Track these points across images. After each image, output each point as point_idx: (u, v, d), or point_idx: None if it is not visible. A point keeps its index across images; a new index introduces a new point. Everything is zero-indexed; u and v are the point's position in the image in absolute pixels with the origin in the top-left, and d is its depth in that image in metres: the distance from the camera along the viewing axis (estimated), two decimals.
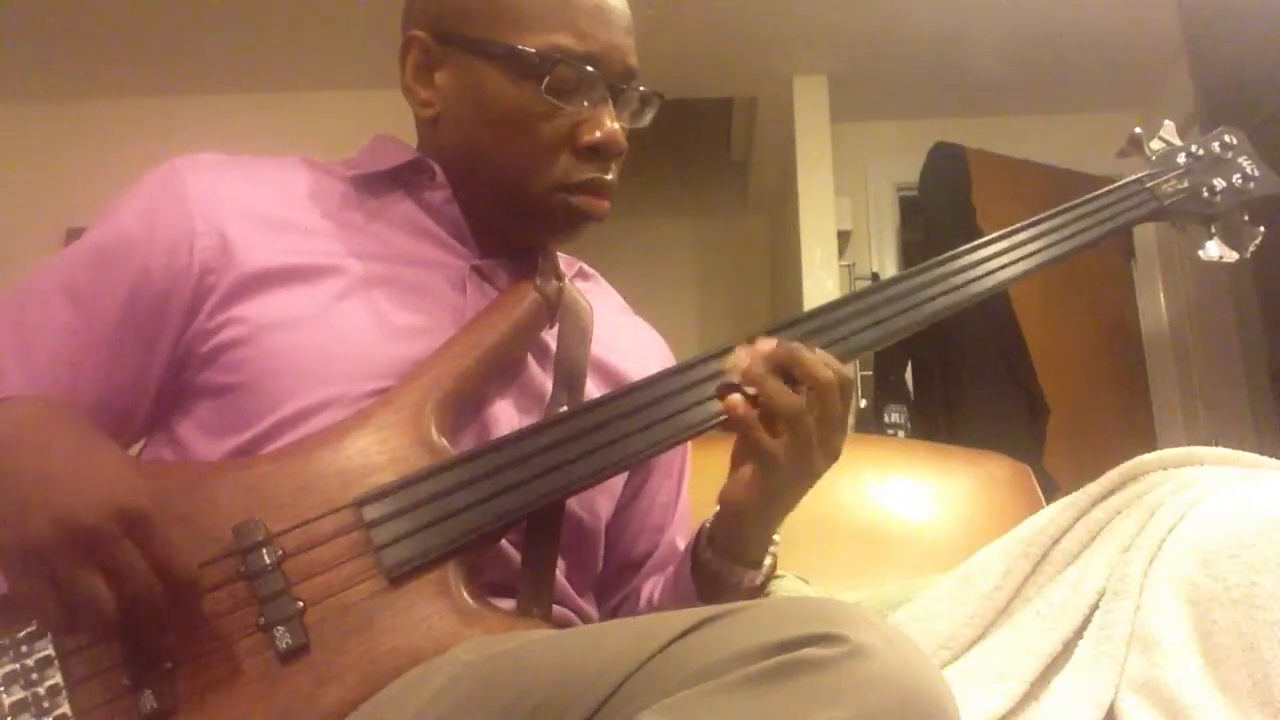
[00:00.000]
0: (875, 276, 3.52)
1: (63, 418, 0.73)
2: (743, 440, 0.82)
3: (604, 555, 0.97)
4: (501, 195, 0.90)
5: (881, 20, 3.11)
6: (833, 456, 0.81)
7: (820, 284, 3.22)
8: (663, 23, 2.91)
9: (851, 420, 3.27)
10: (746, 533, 0.86)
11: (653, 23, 2.90)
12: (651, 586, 1.01)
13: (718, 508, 0.86)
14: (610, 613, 1.01)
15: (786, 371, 0.79)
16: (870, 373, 3.29)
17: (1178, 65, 2.89)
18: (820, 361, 0.79)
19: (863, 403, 3.31)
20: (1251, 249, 1.03)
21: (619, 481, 0.97)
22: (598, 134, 0.87)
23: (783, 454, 0.79)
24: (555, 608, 0.85)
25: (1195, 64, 2.77)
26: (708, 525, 0.89)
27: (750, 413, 0.79)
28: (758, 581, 0.88)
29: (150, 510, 0.67)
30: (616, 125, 0.87)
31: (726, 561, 0.87)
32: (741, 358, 0.82)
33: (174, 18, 3.00)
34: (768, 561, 0.88)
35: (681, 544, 1.01)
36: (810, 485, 0.83)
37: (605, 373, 0.96)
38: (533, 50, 0.85)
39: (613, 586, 1.02)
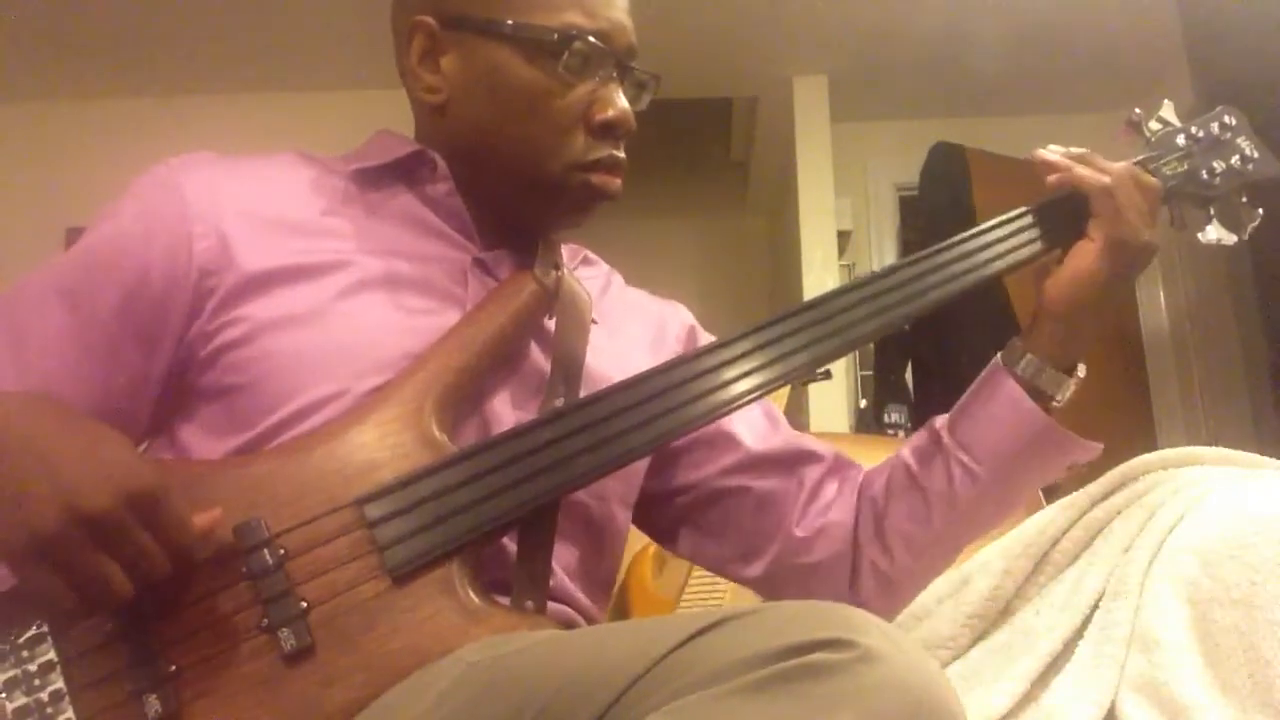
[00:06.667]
0: None
1: (60, 409, 0.73)
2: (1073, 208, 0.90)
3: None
4: (517, 178, 0.89)
5: (881, 20, 3.11)
6: (1152, 229, 0.89)
7: (820, 284, 3.22)
8: (662, 23, 2.89)
9: (851, 420, 3.27)
10: (1080, 321, 0.90)
11: (652, 23, 2.89)
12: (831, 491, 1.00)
13: (1035, 319, 0.91)
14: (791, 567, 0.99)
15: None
16: (870, 373, 3.28)
17: (1178, 65, 2.89)
18: (1107, 161, 0.91)
19: (862, 403, 3.31)
20: (1250, 231, 1.03)
21: (638, 469, 0.96)
22: (611, 112, 0.87)
23: (1110, 191, 0.88)
24: (557, 606, 0.85)
25: (1195, 64, 2.77)
26: (1018, 345, 0.91)
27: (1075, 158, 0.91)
28: (1070, 391, 0.91)
29: (157, 489, 0.67)
30: (626, 103, 0.88)
31: (1050, 369, 0.90)
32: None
33: (173, 18, 3.00)
34: (1081, 370, 0.92)
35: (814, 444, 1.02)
36: (1139, 261, 0.90)
37: (609, 359, 0.94)
38: (549, 28, 0.86)
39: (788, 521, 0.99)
